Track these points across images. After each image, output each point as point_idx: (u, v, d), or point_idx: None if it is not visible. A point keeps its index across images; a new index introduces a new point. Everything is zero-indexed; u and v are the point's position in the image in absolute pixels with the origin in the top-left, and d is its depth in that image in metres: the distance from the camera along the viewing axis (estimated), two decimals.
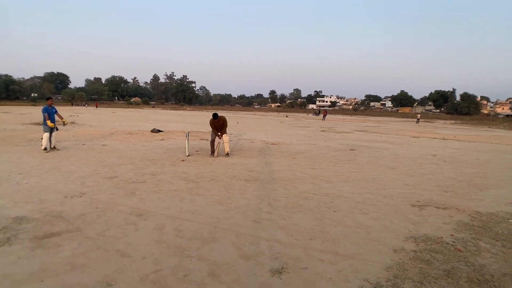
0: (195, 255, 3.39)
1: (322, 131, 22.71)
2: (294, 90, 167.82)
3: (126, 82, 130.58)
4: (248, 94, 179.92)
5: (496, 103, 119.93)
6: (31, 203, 4.83)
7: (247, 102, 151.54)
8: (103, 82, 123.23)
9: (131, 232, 3.91)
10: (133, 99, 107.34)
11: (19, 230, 3.86)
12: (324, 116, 44.80)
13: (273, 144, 13.27)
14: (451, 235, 4.36)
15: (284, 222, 4.42)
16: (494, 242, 4.20)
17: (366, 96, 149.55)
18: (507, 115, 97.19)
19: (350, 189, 6.44)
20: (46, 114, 9.60)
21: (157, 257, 3.32)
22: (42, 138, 9.52)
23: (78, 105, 68.86)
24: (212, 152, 9.87)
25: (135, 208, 4.74)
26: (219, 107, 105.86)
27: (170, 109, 67.36)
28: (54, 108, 9.96)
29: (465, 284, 3.12)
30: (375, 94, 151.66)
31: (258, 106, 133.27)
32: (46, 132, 9.45)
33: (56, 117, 10.02)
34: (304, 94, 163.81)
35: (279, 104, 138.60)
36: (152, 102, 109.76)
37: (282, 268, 3.19)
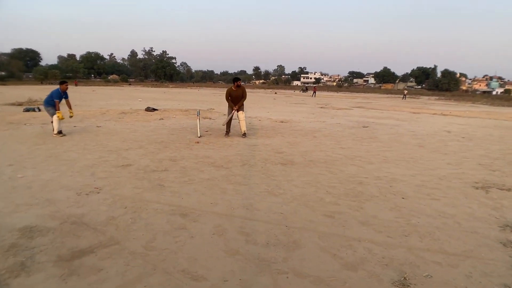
0: (288, 269, 2.64)
1: (321, 107, 22.07)
2: (278, 66, 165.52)
3: (102, 58, 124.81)
4: (231, 70, 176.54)
5: (473, 79, 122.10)
6: (37, 206, 3.79)
7: (230, 79, 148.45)
8: (78, 59, 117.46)
9: (187, 241, 3.07)
10: (110, 77, 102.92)
11: (34, 249, 2.83)
12: (314, 92, 44.18)
13: (282, 122, 12.54)
14: None
15: (360, 215, 3.77)
16: None
17: (350, 72, 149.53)
18: (484, 91, 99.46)
19: (398, 171, 5.85)
20: (57, 101, 8.28)
21: (242, 278, 2.52)
22: (52, 122, 8.31)
23: (52, 83, 65.41)
24: (227, 132, 9.07)
25: (175, 206, 3.92)
26: (202, 84, 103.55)
27: (151, 87, 65.00)
28: (67, 94, 8.70)
29: None
30: (358, 70, 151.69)
31: (242, 83, 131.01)
32: (54, 114, 8.24)
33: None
34: (288, 70, 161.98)
35: (263, 80, 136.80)
36: (130, 80, 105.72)
37: (404, 278, 2.54)
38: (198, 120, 9.01)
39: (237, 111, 8.90)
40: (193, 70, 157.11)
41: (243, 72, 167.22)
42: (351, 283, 2.50)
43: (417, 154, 7.46)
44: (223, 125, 9.55)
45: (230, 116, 8.94)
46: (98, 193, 4.29)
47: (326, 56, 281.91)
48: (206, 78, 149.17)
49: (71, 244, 2.95)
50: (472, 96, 72.57)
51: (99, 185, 4.60)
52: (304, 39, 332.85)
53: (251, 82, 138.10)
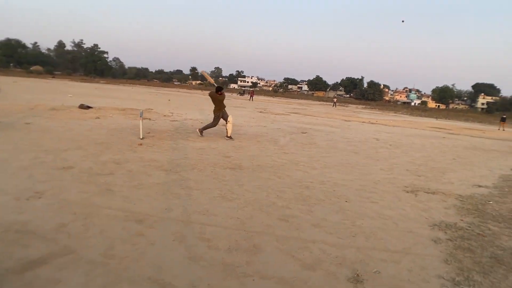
0: (253, 272, 2.74)
1: (260, 112, 22.55)
2: (215, 68, 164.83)
3: (24, 47, 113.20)
4: (167, 69, 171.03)
5: (395, 91, 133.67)
6: None
7: (166, 78, 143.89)
8: None
9: (148, 248, 3.00)
10: (33, 68, 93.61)
11: None
12: (251, 96, 44.93)
13: (224, 125, 12.61)
14: (461, 219, 4.48)
15: (311, 218, 4.02)
16: (497, 224, 4.43)
17: (285, 79, 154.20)
18: (404, 102, 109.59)
19: (339, 176, 6.28)
20: None
21: (210, 283, 2.56)
22: None
23: None
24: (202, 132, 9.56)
25: (128, 211, 3.79)
26: (135, 81, 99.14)
27: (81, 81, 60.75)
28: None
29: None
30: (292, 77, 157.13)
31: (178, 83, 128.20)
32: None
33: None
34: (225, 73, 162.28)
35: (200, 82, 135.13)
36: (56, 72, 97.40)
37: (357, 275, 2.81)
38: (140, 121, 8.72)
39: (226, 114, 9.51)
40: (126, 67, 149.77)
41: (179, 72, 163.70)
42: (312, 282, 2.69)
43: (353, 160, 8.05)
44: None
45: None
46: (40, 198, 3.98)
47: (263, 61, 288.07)
48: (140, 75, 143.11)
49: (20, 255, 2.73)
50: (394, 106, 79.57)
51: (39, 189, 4.26)
52: (242, 43, 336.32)
53: (187, 82, 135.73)
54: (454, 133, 20.06)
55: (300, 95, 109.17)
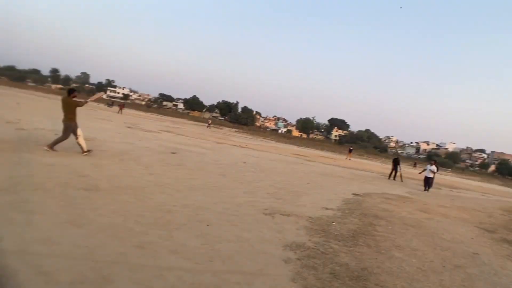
0: None
1: (128, 127, 21.26)
2: (82, 73, 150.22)
3: None
4: (20, 66, 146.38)
5: (265, 118, 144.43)
6: None
7: (18, 77, 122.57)
8: None
9: None
10: None
11: None
12: (121, 109, 42.22)
13: (84, 139, 11.42)
14: (309, 239, 4.97)
15: (170, 244, 3.87)
16: (338, 242, 5.07)
17: (160, 94, 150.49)
18: (273, 129, 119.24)
19: (204, 199, 6.30)
20: None
21: None
22: None
23: None
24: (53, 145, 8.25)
25: None
26: None
27: None
28: None
29: (350, 282, 3.67)
30: (168, 94, 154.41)
31: (34, 84, 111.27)
32: None
33: None
34: (93, 80, 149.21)
35: (62, 86, 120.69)
36: None
37: None
38: None
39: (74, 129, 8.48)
40: None
41: (36, 71, 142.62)
42: None
43: (220, 183, 8.22)
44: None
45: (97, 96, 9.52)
46: None
47: (138, 73, 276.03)
48: None
49: None
50: (264, 132, 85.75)
51: None
52: (116, 49, 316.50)
53: (45, 85, 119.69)
54: (311, 160, 22.60)
55: (175, 112, 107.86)
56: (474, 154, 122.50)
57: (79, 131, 8.44)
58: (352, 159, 36.65)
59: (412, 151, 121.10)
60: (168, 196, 6.03)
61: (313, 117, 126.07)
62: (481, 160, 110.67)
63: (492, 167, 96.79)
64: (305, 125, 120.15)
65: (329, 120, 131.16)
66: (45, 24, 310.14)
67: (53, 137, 8.90)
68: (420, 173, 18.05)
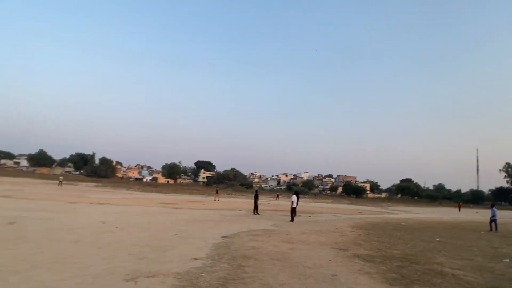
0: None
1: None
2: None
3: None
4: None
5: (128, 167, 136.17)
6: None
7: None
8: None
9: None
10: None
11: None
12: None
13: None
14: None
15: None
16: None
17: None
18: (137, 178, 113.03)
19: (49, 277, 5.38)
20: None
21: None
22: None
23: None
24: None
25: None
26: None
27: None
28: None
29: None
30: (7, 150, 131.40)
31: None
32: None
33: None
34: None
35: None
36: None
37: None
38: None
39: None
40: None
41: None
42: None
43: (72, 252, 7.24)
44: None
45: None
46: None
47: None
48: None
49: None
50: (127, 182, 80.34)
51: None
52: None
53: None
54: (179, 207, 22.10)
55: (17, 171, 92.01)
56: (324, 180, 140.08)
57: None
58: (220, 199, 37.35)
59: (274, 183, 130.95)
60: None
61: (179, 162, 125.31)
62: (330, 184, 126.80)
63: (340, 189, 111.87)
64: (171, 170, 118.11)
65: (195, 163, 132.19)
66: None
67: None
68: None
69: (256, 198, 19.83)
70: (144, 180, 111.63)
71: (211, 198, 39.62)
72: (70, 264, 6.27)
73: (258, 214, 19.20)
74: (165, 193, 48.25)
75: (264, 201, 20.71)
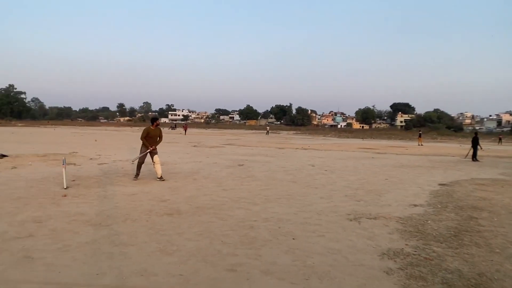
0: None
1: (194, 146, 22.08)
2: (144, 103, 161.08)
3: None
4: (92, 107, 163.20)
5: (322, 115, 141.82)
6: None
7: (91, 116, 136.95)
8: None
9: None
10: None
11: None
12: (185, 130, 44.15)
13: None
14: (406, 244, 4.53)
15: (260, 264, 3.75)
16: (440, 244, 4.55)
17: (216, 110, 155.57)
18: (331, 125, 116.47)
19: (281, 210, 6.14)
20: None
21: None
22: None
23: None
24: (137, 175, 8.85)
25: (52, 283, 3.19)
26: (58, 122, 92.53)
27: None
28: None
29: None
30: (224, 108, 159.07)
31: (105, 121, 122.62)
32: None
33: None
34: (155, 107, 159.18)
35: (129, 118, 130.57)
36: None
37: None
38: (64, 169, 7.85)
39: (151, 153, 8.77)
40: (47, 107, 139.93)
41: (105, 109, 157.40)
42: None
43: (293, 190, 8.02)
44: (132, 162, 9.65)
45: (143, 154, 8.84)
46: None
47: (194, 94, 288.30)
48: (62, 115, 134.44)
49: None
50: (322, 129, 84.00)
51: None
52: (171, 76, 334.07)
53: (115, 119, 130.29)
54: (381, 152, 21.48)
55: (232, 125, 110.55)
56: None
57: (156, 159, 8.74)
58: (424, 144, 34.28)
59: (492, 125, 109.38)
60: (246, 211, 5.97)
61: (373, 106, 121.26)
62: None
63: None
64: (366, 115, 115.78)
65: (391, 106, 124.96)
66: (107, 64, 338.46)
67: (131, 166, 9.41)
68: None
69: (475, 142, 17.09)
70: (338, 126, 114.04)
71: (413, 143, 36.84)
72: (294, 200, 6.97)
73: (477, 160, 16.58)
74: (362, 138, 47.96)
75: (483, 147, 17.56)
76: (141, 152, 8.93)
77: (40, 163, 11.44)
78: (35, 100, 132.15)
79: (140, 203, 6.43)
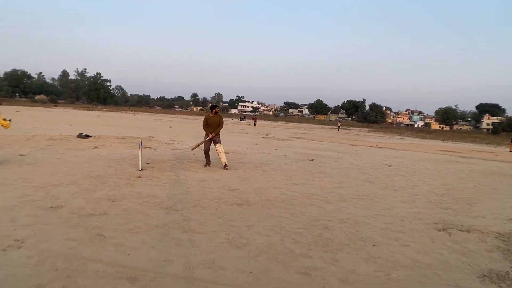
0: None
1: (263, 137, 22.04)
2: (215, 94, 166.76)
3: (29, 77, 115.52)
4: (168, 96, 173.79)
5: (397, 113, 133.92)
6: None
7: (167, 105, 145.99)
8: (1, 75, 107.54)
9: None
10: (37, 97, 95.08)
11: None
12: (255, 121, 44.55)
13: (226, 153, 12.02)
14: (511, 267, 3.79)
15: (337, 271, 3.35)
16: None
17: (285, 103, 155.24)
18: (407, 124, 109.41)
19: (358, 211, 5.62)
20: None
21: None
22: None
23: None
24: (208, 163, 8.96)
25: (120, 266, 3.14)
26: (137, 108, 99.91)
27: (83, 109, 61.00)
28: None
29: None
30: (293, 101, 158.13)
31: (179, 109, 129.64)
32: None
33: None
34: (225, 98, 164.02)
35: (201, 107, 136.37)
36: (60, 101, 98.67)
37: None
38: (140, 151, 8.15)
39: (214, 141, 8.87)
40: (128, 94, 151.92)
41: (180, 98, 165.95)
42: None
43: (369, 191, 7.39)
44: (192, 150, 9.98)
45: (200, 142, 9.11)
46: (20, 247, 3.39)
47: (263, 86, 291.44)
48: (142, 102, 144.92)
49: None
50: (397, 128, 79.17)
51: (21, 235, 3.67)
52: (242, 68, 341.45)
53: (188, 108, 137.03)
54: (466, 157, 19.36)
55: (301, 119, 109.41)
56: None
57: (219, 148, 8.70)
58: None
59: None
60: (319, 209, 5.56)
61: (456, 105, 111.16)
62: None
63: None
64: (446, 115, 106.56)
65: (477, 107, 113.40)
66: (183, 56, 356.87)
67: (202, 153, 9.50)
68: None
69: None
70: (415, 125, 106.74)
71: (503, 149, 32.83)
72: (372, 202, 6.37)
73: None
74: (442, 139, 44.10)
75: None
76: (205, 142, 8.97)
77: (119, 145, 12.16)
78: (118, 87, 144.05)
79: (210, 190, 6.36)
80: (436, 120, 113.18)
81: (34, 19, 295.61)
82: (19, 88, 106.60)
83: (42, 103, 79.08)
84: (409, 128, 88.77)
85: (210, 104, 9.21)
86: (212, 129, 8.87)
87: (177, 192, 6.03)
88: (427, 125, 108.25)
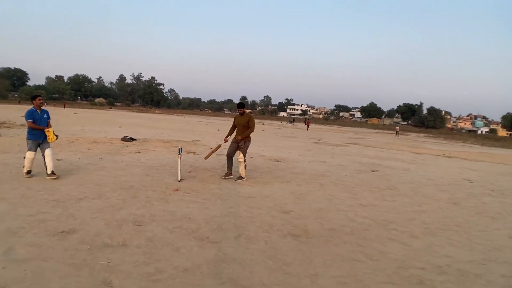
0: None
1: (315, 143, 20.53)
2: (264, 97, 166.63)
3: (90, 81, 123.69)
4: (218, 99, 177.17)
5: (458, 118, 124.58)
6: None
7: (217, 107, 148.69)
8: (65, 80, 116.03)
9: None
10: (97, 100, 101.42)
11: None
12: (308, 125, 42.70)
13: (277, 160, 10.81)
14: None
15: None
16: None
17: (336, 106, 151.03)
18: (469, 130, 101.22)
19: (456, 252, 4.11)
20: (30, 121, 6.21)
21: None
22: (24, 157, 6.34)
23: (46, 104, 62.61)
24: (228, 173, 7.45)
25: None
26: (189, 111, 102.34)
27: (137, 112, 63.22)
28: (46, 113, 6.62)
29: None
30: (344, 104, 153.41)
31: (229, 112, 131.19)
32: (31, 149, 6.27)
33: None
34: (274, 101, 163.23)
35: (250, 110, 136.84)
36: (117, 104, 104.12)
37: None
38: (179, 159, 7.19)
39: (239, 146, 7.39)
40: (180, 97, 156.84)
41: (230, 101, 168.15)
42: None
43: (459, 218, 5.77)
44: (205, 158, 8.19)
45: (214, 149, 7.90)
46: None
47: (313, 88, 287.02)
48: (193, 105, 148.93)
49: None
50: (459, 134, 73.06)
51: (5, 279, 2.73)
52: (292, 71, 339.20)
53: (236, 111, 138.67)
54: None
55: (353, 122, 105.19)
56: None
57: (240, 157, 7.29)
58: None
59: None
60: (403, 248, 4.13)
61: None
62: None
63: None
64: None
65: None
66: (232, 60, 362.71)
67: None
68: None
69: None
70: (479, 132, 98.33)
71: None
72: (470, 237, 4.78)
73: None
74: None
75: None
76: (230, 146, 7.60)
77: (163, 149, 11.42)
78: (171, 91, 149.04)
79: (258, 211, 5.17)
80: (503, 126, 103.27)
81: (94, 27, 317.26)
82: (81, 91, 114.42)
83: (100, 105, 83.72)
84: (472, 134, 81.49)
85: (238, 103, 7.65)
86: (239, 132, 7.44)
87: (218, 213, 4.91)
88: (493, 131, 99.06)
